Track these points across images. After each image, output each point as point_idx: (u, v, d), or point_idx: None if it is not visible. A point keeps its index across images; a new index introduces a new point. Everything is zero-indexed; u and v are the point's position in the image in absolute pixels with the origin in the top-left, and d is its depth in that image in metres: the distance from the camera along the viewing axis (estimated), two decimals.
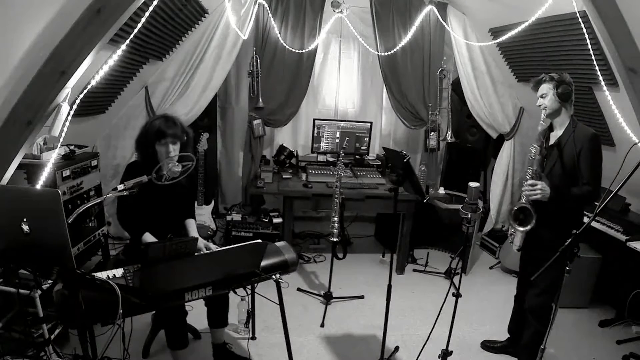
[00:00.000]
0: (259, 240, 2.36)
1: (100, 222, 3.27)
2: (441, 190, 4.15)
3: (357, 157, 4.14)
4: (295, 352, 2.34)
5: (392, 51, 3.81)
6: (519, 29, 3.00)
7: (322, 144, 4.03)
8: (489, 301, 3.38)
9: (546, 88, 2.20)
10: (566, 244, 1.66)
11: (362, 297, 3.30)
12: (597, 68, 2.45)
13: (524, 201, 2.21)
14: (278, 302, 2.05)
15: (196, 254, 1.91)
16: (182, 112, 3.60)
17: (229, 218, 3.75)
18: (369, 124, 4.07)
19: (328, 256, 3.54)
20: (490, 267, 3.98)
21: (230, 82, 4.17)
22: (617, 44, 2.10)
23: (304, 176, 3.73)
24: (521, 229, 2.22)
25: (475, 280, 3.70)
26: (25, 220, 1.48)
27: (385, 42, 3.81)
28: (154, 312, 2.49)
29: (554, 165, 2.24)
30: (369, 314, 3.10)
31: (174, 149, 2.18)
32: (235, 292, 2.14)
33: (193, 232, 2.41)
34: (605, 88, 2.50)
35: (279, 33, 3.66)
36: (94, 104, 3.28)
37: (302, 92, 3.95)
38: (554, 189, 2.16)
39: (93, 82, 2.36)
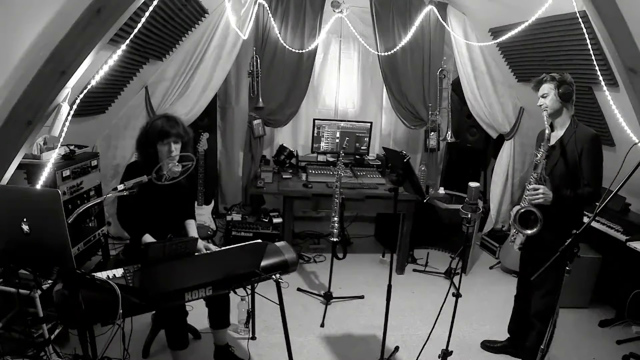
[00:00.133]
0: (259, 240, 2.37)
1: (100, 222, 3.27)
2: (441, 190, 4.15)
3: (357, 157, 4.14)
4: (295, 352, 2.34)
5: (392, 51, 3.81)
6: (519, 29, 3.00)
7: (322, 144, 4.03)
8: (489, 301, 3.38)
9: (547, 88, 2.20)
10: (566, 244, 1.66)
11: (362, 297, 3.30)
12: (597, 68, 2.45)
13: (527, 205, 2.21)
14: (278, 302, 2.05)
15: (196, 254, 1.92)
16: (182, 112, 3.60)
17: (229, 218, 3.75)
18: (369, 124, 4.07)
19: (328, 256, 3.54)
20: (490, 267, 3.98)
21: (230, 82, 4.17)
22: (617, 44, 2.10)
23: (304, 176, 3.73)
24: (529, 232, 2.21)
25: (475, 280, 3.70)
26: (25, 220, 1.48)
27: (385, 42, 3.81)
28: (154, 312, 2.49)
29: (555, 166, 2.24)
30: (369, 314, 3.10)
31: (176, 149, 2.19)
32: (235, 292, 2.13)
33: (193, 232, 2.41)
34: (605, 88, 2.50)
35: (279, 33, 3.66)
36: (94, 104, 3.28)
37: (302, 92, 3.95)
38: (556, 192, 2.16)
39: (93, 82, 2.36)
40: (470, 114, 4.15)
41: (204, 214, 3.50)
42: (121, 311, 1.58)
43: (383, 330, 2.39)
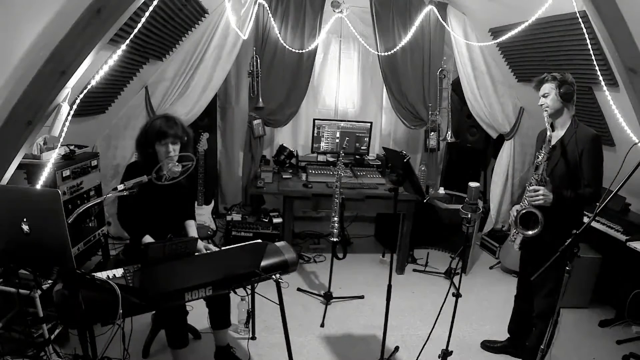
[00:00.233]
0: (259, 240, 2.37)
1: (100, 222, 3.27)
2: (441, 190, 4.15)
3: (357, 157, 4.14)
4: (295, 352, 2.34)
5: (392, 51, 3.81)
6: (519, 29, 3.00)
7: (322, 144, 4.03)
8: (489, 301, 3.38)
9: (548, 87, 2.20)
10: (566, 244, 1.65)
11: (362, 297, 3.30)
12: (597, 68, 2.45)
13: (527, 206, 2.21)
14: (278, 302, 2.05)
15: (196, 254, 1.92)
16: (182, 112, 3.60)
17: (229, 218, 3.75)
18: (369, 124, 4.07)
19: (328, 256, 3.54)
20: (490, 267, 3.98)
21: (230, 82, 4.17)
22: (617, 44, 2.10)
23: (304, 176, 3.73)
24: (530, 233, 2.21)
25: (475, 280, 3.70)
26: (25, 220, 1.48)
27: (385, 42, 3.81)
28: (154, 312, 2.49)
29: (555, 166, 2.23)
30: (369, 314, 3.10)
31: (174, 149, 2.18)
32: (235, 292, 2.13)
33: (193, 232, 2.41)
34: (605, 88, 2.50)
35: (279, 33, 3.66)
36: (94, 104, 3.28)
37: (302, 92, 3.95)
38: (556, 193, 2.15)
39: (93, 82, 2.36)
40: (470, 114, 4.15)
41: (204, 214, 3.49)
42: (121, 311, 1.58)
43: (383, 330, 2.39)
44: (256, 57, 3.71)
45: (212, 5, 3.49)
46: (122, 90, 3.47)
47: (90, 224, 3.14)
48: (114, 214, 3.15)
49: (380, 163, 4.18)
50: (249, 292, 2.62)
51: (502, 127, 4.12)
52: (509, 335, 2.74)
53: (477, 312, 3.21)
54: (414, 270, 3.82)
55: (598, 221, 3.19)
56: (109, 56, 2.31)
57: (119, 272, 1.89)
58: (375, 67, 4.13)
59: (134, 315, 1.80)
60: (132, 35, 2.29)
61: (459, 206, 2.44)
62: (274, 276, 1.99)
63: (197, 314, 2.60)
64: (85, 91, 2.38)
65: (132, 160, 2.89)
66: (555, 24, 2.86)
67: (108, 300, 1.58)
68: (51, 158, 2.50)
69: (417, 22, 3.75)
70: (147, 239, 2.19)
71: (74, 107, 2.29)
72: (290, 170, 3.90)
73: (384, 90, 4.23)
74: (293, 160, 4.05)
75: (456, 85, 4.20)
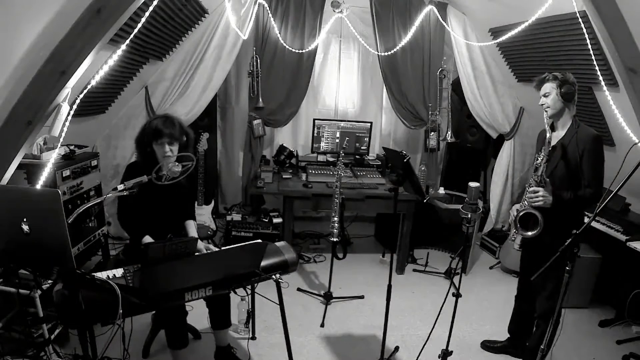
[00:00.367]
0: (259, 240, 2.37)
1: (100, 222, 3.27)
2: (441, 190, 4.15)
3: (357, 157, 4.14)
4: (295, 352, 2.34)
5: (392, 51, 3.81)
6: (519, 29, 3.00)
7: (322, 144, 4.03)
8: (489, 301, 3.38)
9: (549, 87, 2.18)
10: (566, 244, 1.65)
11: (362, 297, 3.30)
12: (597, 68, 2.45)
13: (527, 207, 2.21)
14: (278, 302, 2.05)
15: (196, 254, 1.92)
16: (182, 112, 3.60)
17: (229, 218, 3.75)
18: (369, 124, 4.07)
19: (328, 256, 3.54)
20: (490, 267, 3.98)
21: (230, 82, 4.17)
22: (617, 44, 2.10)
23: (304, 176, 3.73)
24: (529, 233, 2.20)
25: (475, 280, 3.70)
26: (25, 220, 1.48)
27: (385, 42, 3.81)
28: (154, 312, 2.49)
29: (555, 167, 2.23)
30: (369, 314, 3.10)
31: (172, 150, 2.18)
32: (235, 292, 2.13)
33: (193, 233, 2.40)
34: (605, 88, 2.50)
35: (279, 33, 3.66)
36: (94, 104, 3.28)
37: (302, 92, 3.95)
38: (556, 195, 2.15)
39: (93, 82, 2.36)
40: (470, 114, 4.15)
41: (204, 214, 3.49)
42: (121, 311, 1.58)
43: (383, 330, 2.39)
44: (256, 57, 3.71)
45: (212, 5, 3.49)
46: (122, 90, 3.47)
47: (90, 224, 3.14)
48: (114, 214, 3.15)
49: (380, 163, 4.18)
50: (249, 292, 2.62)
51: (502, 127, 4.12)
52: (509, 335, 2.74)
53: (477, 312, 3.21)
54: (414, 270, 3.82)
55: (598, 221, 3.19)
56: (109, 56, 2.31)
57: (119, 272, 1.89)
58: (375, 67, 4.13)
59: (134, 315, 1.80)
60: (132, 35, 2.29)
61: (459, 206, 2.44)
62: (274, 276, 1.99)
63: (197, 314, 2.61)
64: (85, 91, 2.38)
65: (132, 160, 2.89)
66: (555, 24, 2.86)
67: (108, 300, 1.58)
68: (51, 158, 2.50)
69: (417, 22, 3.75)
70: (147, 239, 2.19)
71: (74, 107, 2.29)
72: (290, 170, 3.90)
73: (384, 90, 4.23)
74: (293, 160, 4.05)
75: (456, 85, 4.20)
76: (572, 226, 1.79)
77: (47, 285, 1.90)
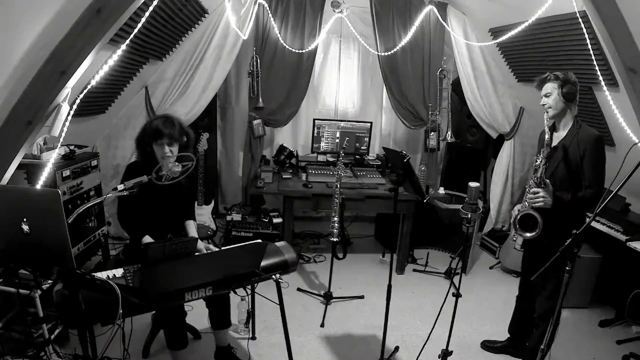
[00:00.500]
0: (259, 240, 2.37)
1: (100, 222, 3.27)
2: (441, 190, 4.15)
3: (357, 157, 4.14)
4: (295, 352, 2.34)
5: (392, 51, 3.81)
6: (519, 29, 3.00)
7: (322, 144, 4.03)
8: (489, 301, 3.38)
9: (550, 87, 2.17)
10: (566, 244, 1.65)
11: (362, 297, 3.30)
12: (597, 68, 2.45)
13: (527, 207, 2.21)
14: (278, 302, 2.05)
15: (196, 254, 1.92)
16: (182, 112, 3.60)
17: (229, 218, 3.75)
18: (369, 124, 4.07)
19: (328, 256, 3.54)
20: (490, 267, 3.98)
21: (230, 82, 4.17)
22: (617, 44, 2.10)
23: (304, 176, 3.73)
24: (528, 234, 2.20)
25: (475, 280, 3.70)
26: (25, 220, 1.48)
27: (385, 42, 3.81)
28: (154, 312, 2.49)
29: (556, 167, 2.22)
30: (369, 314, 3.10)
31: (172, 151, 2.17)
32: (235, 292, 2.13)
33: (193, 233, 2.40)
34: (605, 88, 2.50)
35: (279, 33, 3.66)
36: (94, 104, 3.28)
37: (302, 92, 3.95)
38: (556, 196, 2.14)
39: (93, 82, 2.36)
40: (470, 114, 4.15)
41: (204, 214, 3.49)
42: (121, 311, 1.58)
43: (383, 330, 2.39)
44: (256, 57, 3.71)
45: (212, 5, 3.49)
46: (122, 90, 3.47)
47: (90, 224, 3.14)
48: (114, 214, 3.15)
49: (380, 163, 4.17)
50: (249, 292, 2.62)
51: (502, 127, 4.12)
52: (509, 335, 2.74)
53: (477, 312, 3.21)
54: (414, 270, 3.82)
55: (598, 221, 3.19)
56: (109, 56, 2.31)
57: (119, 272, 1.89)
58: (375, 67, 4.13)
59: (134, 315, 1.80)
60: (132, 35, 2.29)
61: (459, 206, 2.44)
62: (274, 276, 1.99)
63: (197, 314, 2.61)
64: (85, 91, 2.38)
65: (132, 160, 2.89)
66: (555, 24, 2.86)
67: (108, 300, 1.58)
68: (51, 158, 2.50)
69: (417, 22, 3.75)
70: (147, 239, 2.19)
71: (74, 107, 2.29)
72: (290, 170, 3.90)
73: (384, 90, 4.23)
74: (293, 160, 4.05)
75: (456, 85, 4.20)
76: (573, 227, 1.78)
77: (47, 285, 1.90)
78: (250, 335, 2.71)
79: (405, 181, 2.46)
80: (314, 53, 3.82)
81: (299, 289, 3.35)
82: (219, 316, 2.35)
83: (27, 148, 2.17)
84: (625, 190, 2.72)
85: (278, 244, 2.30)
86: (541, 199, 2.15)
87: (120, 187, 1.82)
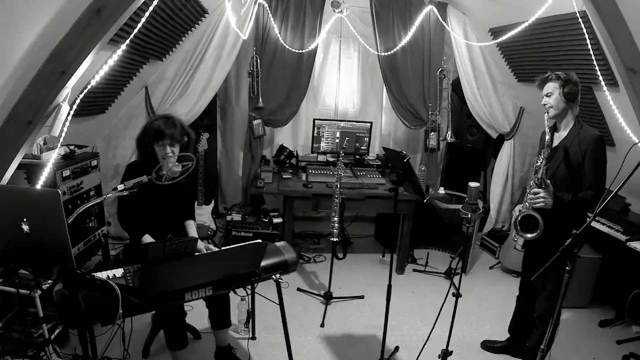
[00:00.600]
0: (259, 240, 2.37)
1: (100, 222, 3.27)
2: (441, 190, 4.15)
3: (357, 157, 4.14)
4: (295, 352, 2.34)
5: (392, 51, 3.81)
6: (519, 29, 3.00)
7: (322, 144, 4.03)
8: (489, 301, 3.38)
9: (552, 87, 2.16)
10: (566, 244, 1.65)
11: (362, 297, 3.30)
12: (597, 68, 2.45)
13: (528, 209, 2.20)
14: (278, 302, 2.05)
15: (196, 254, 1.92)
16: (182, 112, 3.60)
17: (229, 218, 3.75)
18: (369, 124, 4.07)
19: (328, 256, 3.54)
20: (490, 267, 3.98)
21: (230, 82, 4.17)
22: (617, 44, 2.10)
23: (304, 176, 3.73)
24: (529, 235, 2.19)
25: (475, 280, 3.70)
26: (25, 220, 1.48)
27: (385, 42, 3.81)
28: (154, 312, 2.49)
29: (557, 167, 2.21)
30: (369, 314, 3.10)
31: (173, 151, 2.17)
32: (235, 292, 2.13)
33: (193, 233, 2.40)
34: (605, 88, 2.50)
35: (279, 33, 3.66)
36: (94, 104, 3.28)
37: (302, 92, 3.95)
38: (557, 196, 2.14)
39: (93, 82, 2.36)
40: (470, 114, 4.15)
41: (204, 214, 3.49)
42: (121, 311, 1.58)
43: (383, 330, 2.39)
44: (256, 57, 3.71)
45: (212, 5, 3.49)
46: (122, 90, 3.47)
47: (90, 224, 3.14)
48: (114, 214, 3.15)
49: (380, 163, 4.17)
50: (249, 292, 2.62)
51: (502, 127, 4.12)
52: (509, 335, 2.74)
53: (477, 312, 3.21)
54: (414, 270, 3.82)
55: (598, 221, 3.19)
56: (109, 56, 2.31)
57: (119, 272, 1.89)
58: (375, 67, 4.13)
59: (134, 315, 1.80)
60: (132, 35, 2.29)
61: (459, 206, 2.44)
62: (274, 276, 1.99)
63: (197, 314, 2.61)
64: (85, 91, 2.38)
65: (132, 160, 2.90)
66: (555, 24, 2.86)
67: (108, 300, 1.58)
68: (51, 158, 2.50)
69: (417, 22, 3.75)
70: (147, 239, 2.19)
71: (74, 107, 2.29)
72: (290, 170, 3.90)
73: (384, 90, 4.23)
74: (293, 160, 4.05)
75: (456, 85, 4.20)
76: (574, 228, 1.78)
77: (47, 285, 1.90)
78: (250, 335, 2.71)
79: (405, 181, 2.46)
80: (314, 53, 3.82)
81: (299, 289, 3.35)
82: (219, 316, 2.35)
83: (27, 148, 2.17)
84: (625, 190, 2.72)
85: (278, 244, 2.30)
86: (542, 200, 2.14)
87: (120, 187, 1.82)
